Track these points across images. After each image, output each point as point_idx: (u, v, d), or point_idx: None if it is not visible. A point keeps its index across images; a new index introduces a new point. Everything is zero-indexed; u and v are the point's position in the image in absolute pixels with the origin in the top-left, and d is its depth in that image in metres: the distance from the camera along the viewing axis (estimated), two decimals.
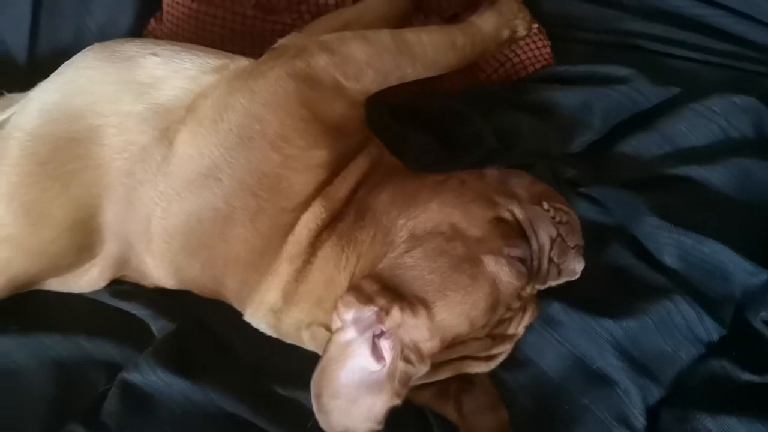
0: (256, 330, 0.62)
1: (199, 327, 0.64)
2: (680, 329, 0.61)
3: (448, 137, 0.76)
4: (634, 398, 0.58)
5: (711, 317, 0.61)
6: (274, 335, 0.61)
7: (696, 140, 0.74)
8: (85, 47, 0.66)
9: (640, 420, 0.58)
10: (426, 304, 0.52)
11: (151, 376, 0.59)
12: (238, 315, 0.62)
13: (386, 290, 0.52)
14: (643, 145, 0.73)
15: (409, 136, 0.75)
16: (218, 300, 0.63)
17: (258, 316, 0.60)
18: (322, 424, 0.52)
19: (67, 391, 0.60)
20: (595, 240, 0.62)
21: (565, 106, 0.76)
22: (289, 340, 0.61)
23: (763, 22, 0.84)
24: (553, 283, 0.56)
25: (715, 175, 0.70)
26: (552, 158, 0.73)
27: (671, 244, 0.64)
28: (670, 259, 0.64)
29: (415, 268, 0.53)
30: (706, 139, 0.74)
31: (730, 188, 0.70)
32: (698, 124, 0.74)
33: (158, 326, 0.63)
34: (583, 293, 0.60)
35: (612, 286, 0.64)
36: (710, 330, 0.61)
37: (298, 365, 0.55)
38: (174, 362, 0.60)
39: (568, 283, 0.57)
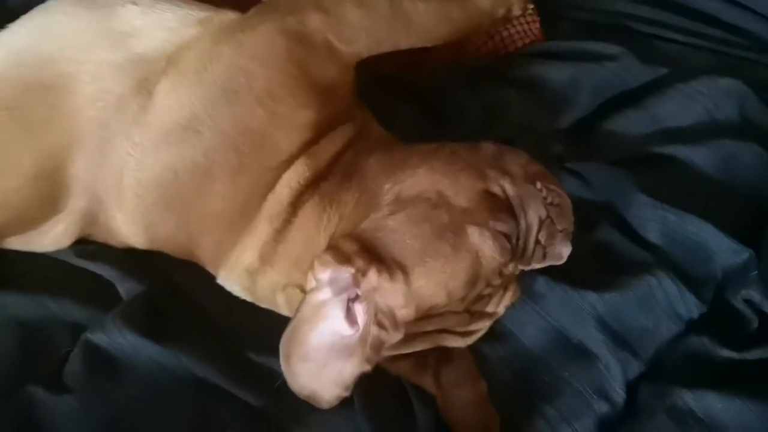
0: (229, 294, 0.60)
1: (170, 289, 0.62)
2: (661, 305, 0.60)
3: (435, 110, 0.74)
4: (615, 372, 0.57)
5: (692, 294, 0.61)
6: (249, 299, 0.59)
7: (682, 121, 0.73)
8: None
9: (619, 393, 0.57)
10: (404, 269, 0.51)
11: (118, 338, 0.56)
12: (212, 278, 0.60)
13: (365, 252, 0.51)
14: (629, 123, 0.73)
15: (397, 108, 0.73)
16: (191, 262, 0.61)
17: (232, 278, 0.58)
18: (291, 385, 0.51)
19: (29, 352, 0.57)
20: (580, 215, 0.61)
21: (553, 82, 0.75)
22: (263, 304, 0.59)
23: (753, 11, 0.84)
24: (537, 266, 0.55)
25: (699, 155, 0.70)
26: (539, 133, 0.72)
27: (655, 220, 0.64)
28: (653, 236, 0.64)
29: (397, 231, 0.52)
30: (691, 120, 0.73)
31: (714, 169, 0.69)
32: (684, 104, 0.73)
33: (126, 288, 0.60)
34: (566, 267, 0.59)
35: (596, 261, 0.63)
36: (691, 307, 0.61)
37: (272, 331, 0.52)
38: (142, 324, 0.57)
39: None
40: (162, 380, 0.56)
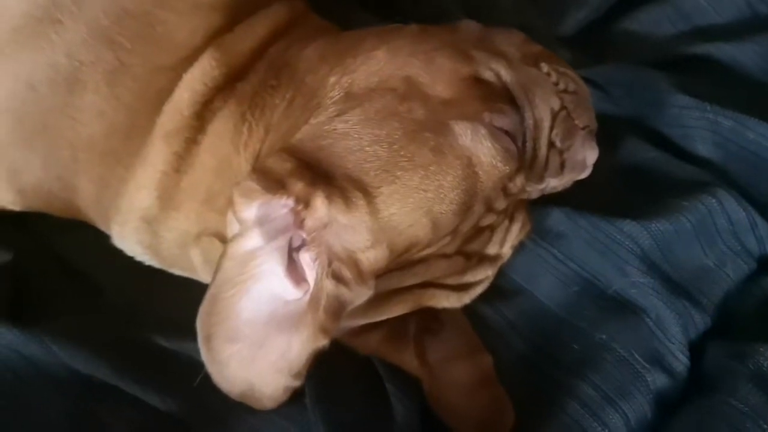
0: (133, 262, 0.44)
1: (48, 260, 0.45)
2: (725, 237, 0.44)
3: (404, 16, 0.58)
4: (671, 330, 0.41)
5: (765, 221, 0.45)
6: (155, 263, 0.43)
7: (717, 17, 0.58)
8: None
9: (680, 358, 0.41)
10: (366, 191, 0.35)
11: None
12: (109, 242, 0.43)
13: (305, 170, 0.35)
14: (653, 21, 0.57)
15: (352, 17, 0.57)
16: (83, 223, 0.45)
17: (128, 234, 0.42)
18: (216, 379, 0.36)
19: None
20: (602, 135, 0.45)
21: None
22: (175, 270, 0.43)
23: None
24: (552, 182, 0.41)
25: (745, 53, 0.54)
26: (537, 35, 0.56)
27: (704, 127, 0.48)
28: (703, 147, 0.48)
29: (350, 137, 0.36)
30: (729, 16, 0.58)
31: (765, 71, 0.54)
32: None
33: None
34: (591, 194, 0.43)
35: (629, 187, 0.47)
36: (763, 237, 0.45)
37: (191, 307, 0.37)
38: (3, 307, 0.41)
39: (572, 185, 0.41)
40: (29, 379, 0.39)
